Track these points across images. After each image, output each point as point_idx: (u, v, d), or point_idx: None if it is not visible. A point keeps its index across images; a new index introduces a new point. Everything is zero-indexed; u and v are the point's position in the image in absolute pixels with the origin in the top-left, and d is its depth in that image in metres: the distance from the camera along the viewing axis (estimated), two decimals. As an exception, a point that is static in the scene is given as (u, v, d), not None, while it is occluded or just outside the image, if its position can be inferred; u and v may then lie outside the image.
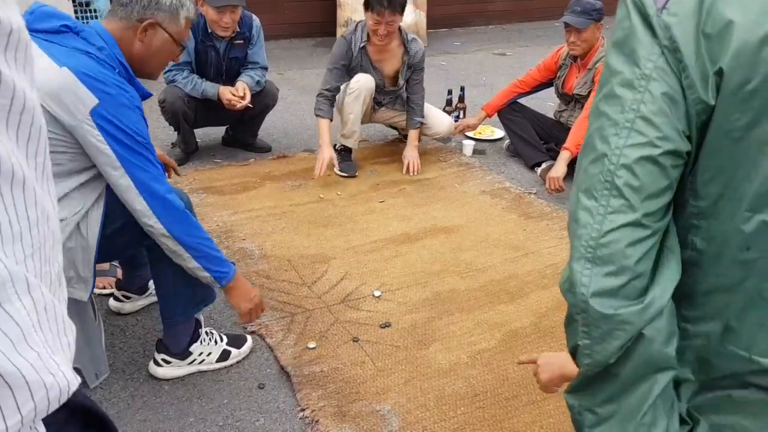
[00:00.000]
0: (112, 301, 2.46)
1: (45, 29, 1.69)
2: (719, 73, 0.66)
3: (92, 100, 1.64)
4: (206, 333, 2.17)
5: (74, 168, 1.73)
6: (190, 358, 2.13)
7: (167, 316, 2.06)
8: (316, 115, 3.68)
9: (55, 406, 0.56)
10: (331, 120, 3.68)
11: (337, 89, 3.69)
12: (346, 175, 3.77)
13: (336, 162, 3.70)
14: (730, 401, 0.78)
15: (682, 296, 0.78)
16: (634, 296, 0.72)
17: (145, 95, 1.83)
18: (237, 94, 3.59)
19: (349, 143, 3.81)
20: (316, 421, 1.94)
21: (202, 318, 2.18)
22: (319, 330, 2.37)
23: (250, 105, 3.63)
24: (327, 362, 2.20)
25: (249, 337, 2.27)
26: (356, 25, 3.67)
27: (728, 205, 0.71)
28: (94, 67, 1.67)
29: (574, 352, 0.78)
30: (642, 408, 0.76)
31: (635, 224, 0.70)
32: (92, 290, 1.85)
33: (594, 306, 0.72)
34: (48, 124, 1.57)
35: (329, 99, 3.67)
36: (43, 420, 0.57)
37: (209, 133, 4.23)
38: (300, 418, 1.97)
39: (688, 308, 0.80)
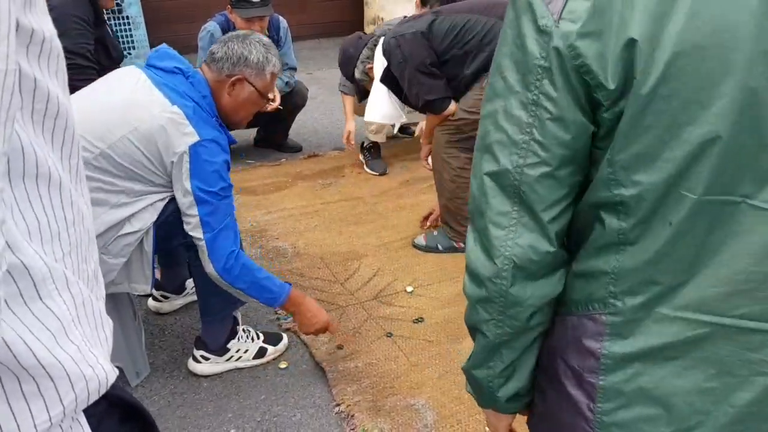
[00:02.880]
0: (151, 302, 2.52)
1: (160, 67, 1.89)
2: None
3: (194, 136, 1.77)
4: (243, 330, 2.21)
5: (155, 189, 1.85)
6: (228, 355, 2.17)
7: (206, 313, 2.11)
8: (340, 91, 3.81)
9: (94, 398, 0.58)
10: (353, 96, 3.81)
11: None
12: (376, 173, 3.79)
13: (363, 159, 3.80)
14: None
15: None
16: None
17: (232, 142, 1.95)
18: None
19: (378, 138, 3.84)
20: (352, 416, 1.96)
21: (239, 316, 2.22)
22: (353, 326, 2.39)
23: (279, 107, 3.67)
24: (361, 358, 2.22)
25: (284, 335, 2.30)
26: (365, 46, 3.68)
27: None
28: (199, 112, 1.83)
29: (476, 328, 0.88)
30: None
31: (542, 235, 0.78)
32: (153, 283, 1.95)
33: (512, 293, 0.80)
34: (144, 147, 1.75)
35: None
36: (84, 411, 0.60)
37: (241, 135, 4.29)
38: (336, 413, 1.99)
39: None
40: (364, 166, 3.81)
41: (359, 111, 3.87)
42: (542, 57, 0.71)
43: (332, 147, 4.24)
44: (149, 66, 1.91)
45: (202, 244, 1.83)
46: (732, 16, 0.63)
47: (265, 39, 2.03)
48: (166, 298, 2.51)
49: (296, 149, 4.16)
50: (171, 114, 1.77)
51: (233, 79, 1.93)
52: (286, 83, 3.79)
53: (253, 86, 1.97)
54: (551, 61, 0.70)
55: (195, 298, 2.50)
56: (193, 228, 1.82)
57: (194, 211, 1.81)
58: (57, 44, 0.56)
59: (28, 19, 0.52)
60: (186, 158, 1.77)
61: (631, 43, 0.66)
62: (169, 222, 1.86)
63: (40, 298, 0.53)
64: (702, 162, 0.68)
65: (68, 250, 0.58)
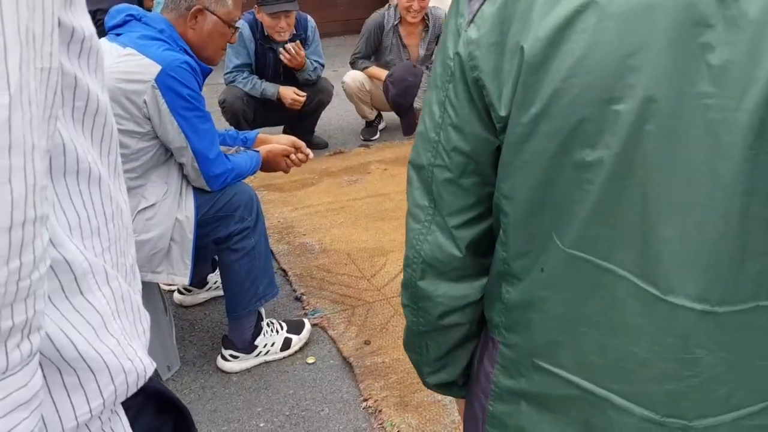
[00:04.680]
0: (176, 294, 2.57)
1: (114, 25, 1.84)
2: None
3: (155, 66, 1.75)
4: (267, 324, 2.24)
5: (147, 139, 1.84)
6: (256, 351, 2.19)
7: (232, 310, 2.13)
8: (363, 69, 4.08)
9: (133, 390, 0.59)
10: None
11: (368, 56, 4.13)
12: (362, 138, 4.31)
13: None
14: None
15: None
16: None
17: (206, 70, 1.92)
18: (300, 93, 3.68)
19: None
20: (379, 411, 1.97)
21: (263, 311, 2.24)
22: (380, 322, 2.40)
23: (305, 102, 3.75)
24: (388, 353, 2.22)
25: (306, 321, 2.32)
26: (389, 6, 4.10)
27: None
28: (156, 44, 1.79)
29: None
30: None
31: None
32: (191, 275, 1.97)
33: (421, 286, 0.77)
34: (121, 107, 1.72)
35: (363, 56, 4.13)
36: (122, 403, 0.61)
37: (267, 132, 4.32)
38: (363, 408, 2.00)
39: None
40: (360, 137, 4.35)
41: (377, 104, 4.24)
42: (452, 58, 0.65)
43: (358, 144, 4.26)
44: (109, 32, 1.87)
45: (198, 175, 1.89)
46: (637, 50, 0.55)
47: None
48: (189, 291, 2.56)
49: (322, 146, 4.18)
50: (124, 57, 1.75)
51: (193, 10, 1.88)
52: (314, 69, 3.84)
53: (215, 14, 1.92)
54: (456, 67, 0.65)
55: (217, 293, 2.55)
56: (189, 161, 1.86)
57: (186, 143, 1.82)
58: (96, 42, 0.58)
59: (69, 17, 0.53)
60: (158, 94, 1.75)
61: (522, 57, 0.59)
62: (204, 220, 1.90)
63: (81, 293, 0.54)
64: (574, 212, 0.62)
65: (107, 245, 0.59)
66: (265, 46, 3.72)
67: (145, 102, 1.76)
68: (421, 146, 0.72)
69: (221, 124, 4.10)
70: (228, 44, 3.69)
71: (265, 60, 3.75)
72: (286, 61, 3.67)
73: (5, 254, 0.41)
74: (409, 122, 3.65)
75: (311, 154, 2.34)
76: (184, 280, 1.97)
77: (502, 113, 0.63)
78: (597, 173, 0.59)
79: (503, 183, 0.67)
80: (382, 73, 4.01)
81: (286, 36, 3.68)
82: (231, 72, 3.71)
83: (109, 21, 1.88)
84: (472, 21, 0.63)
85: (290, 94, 3.69)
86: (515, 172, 0.64)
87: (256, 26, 3.67)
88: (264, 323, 2.23)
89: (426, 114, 0.71)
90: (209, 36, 1.94)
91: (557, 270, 0.65)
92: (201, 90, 1.90)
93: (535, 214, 0.65)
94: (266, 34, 3.68)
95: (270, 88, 3.70)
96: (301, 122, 4.06)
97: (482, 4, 0.62)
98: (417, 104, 3.43)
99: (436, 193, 0.72)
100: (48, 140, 0.46)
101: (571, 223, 0.62)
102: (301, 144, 2.30)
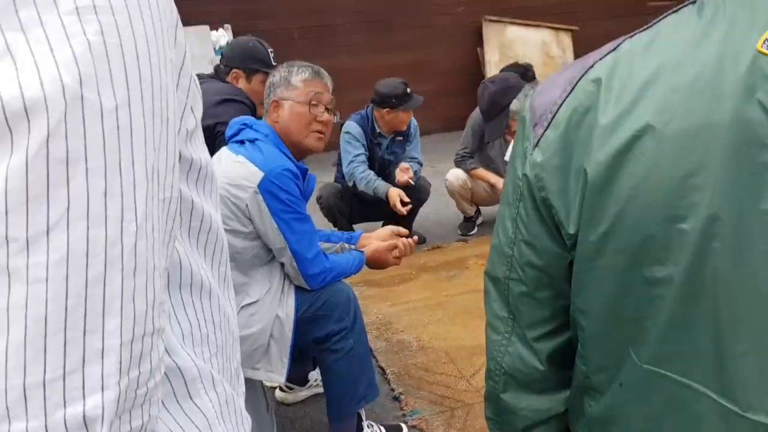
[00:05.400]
0: (278, 392, 2.61)
1: (232, 134, 2.07)
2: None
3: (259, 173, 1.91)
4: (368, 426, 2.21)
5: (250, 246, 1.96)
6: (355, 453, 2.17)
7: (333, 412, 2.14)
8: (471, 170, 4.15)
9: None
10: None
11: (474, 152, 4.18)
12: (460, 232, 4.36)
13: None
14: None
15: None
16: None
17: (304, 170, 2.05)
18: (404, 201, 3.77)
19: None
20: None
21: (363, 412, 2.23)
22: (480, 425, 2.31)
23: (412, 182, 3.88)
24: (489, 459, 2.13)
25: (405, 427, 2.27)
26: None
27: None
28: (260, 148, 1.97)
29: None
30: None
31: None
32: (288, 374, 2.03)
33: (504, 399, 0.78)
34: (227, 208, 1.89)
35: (471, 152, 4.17)
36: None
37: (366, 228, 4.44)
38: None
39: None
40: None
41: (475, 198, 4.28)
42: (521, 178, 0.69)
43: (455, 238, 4.28)
44: (229, 142, 2.07)
45: (297, 274, 1.97)
46: (697, 170, 0.56)
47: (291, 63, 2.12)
48: (291, 389, 2.59)
49: (420, 241, 4.22)
50: (234, 164, 1.93)
51: (272, 105, 2.05)
52: (415, 172, 3.97)
53: (288, 100, 2.04)
54: (524, 187, 0.69)
55: (318, 390, 2.56)
56: (288, 261, 1.95)
57: (284, 243, 1.92)
58: (211, 169, 0.65)
59: (189, 150, 0.61)
60: (260, 198, 1.88)
61: (585, 178, 0.61)
62: (303, 319, 1.96)
63: (190, 397, 0.59)
64: (648, 328, 0.61)
65: (215, 351, 0.63)
66: (373, 142, 4.01)
67: (247, 205, 1.91)
68: (496, 259, 0.75)
69: (319, 218, 4.27)
70: (344, 141, 3.94)
71: (373, 154, 4.00)
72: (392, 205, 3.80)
73: (127, 365, 0.45)
74: (496, 126, 3.63)
75: (416, 237, 2.41)
76: (281, 378, 2.01)
77: (571, 231, 0.65)
78: (667, 289, 0.59)
79: (577, 297, 0.68)
80: (488, 175, 4.10)
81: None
82: (353, 161, 3.89)
83: (228, 131, 2.11)
84: (537, 145, 0.67)
85: (396, 198, 3.74)
86: (587, 287, 0.65)
87: (366, 125, 3.96)
88: (364, 424, 2.21)
89: (500, 228, 0.74)
90: (290, 120, 2.06)
91: (636, 385, 0.64)
92: (303, 192, 2.01)
93: (610, 329, 0.65)
94: (377, 131, 3.95)
95: (382, 188, 3.83)
96: (399, 219, 4.15)
97: (546, 130, 0.66)
98: (513, 106, 3.40)
99: (514, 306, 0.73)
100: (167, 260, 0.52)
101: (645, 339, 0.62)
102: (402, 230, 2.37)
